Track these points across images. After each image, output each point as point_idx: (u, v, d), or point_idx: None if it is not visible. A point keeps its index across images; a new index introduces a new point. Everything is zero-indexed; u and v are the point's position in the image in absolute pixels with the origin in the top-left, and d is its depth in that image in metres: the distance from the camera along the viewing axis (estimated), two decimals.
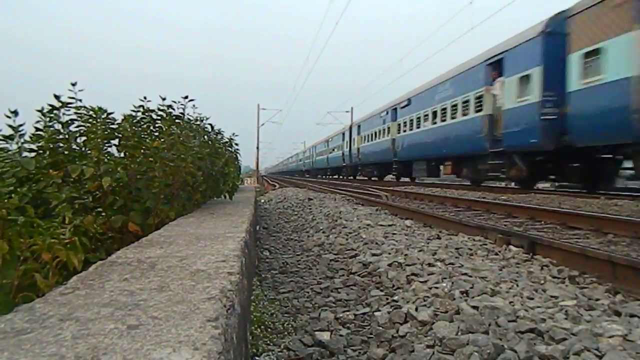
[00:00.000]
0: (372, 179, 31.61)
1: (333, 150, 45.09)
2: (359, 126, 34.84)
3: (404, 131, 23.73)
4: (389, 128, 26.53)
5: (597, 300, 2.91)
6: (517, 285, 3.18)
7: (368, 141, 31.46)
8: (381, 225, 6.44)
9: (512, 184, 16.91)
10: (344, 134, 40.43)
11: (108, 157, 3.05)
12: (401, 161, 24.73)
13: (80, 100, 2.97)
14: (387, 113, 27.06)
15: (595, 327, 2.30)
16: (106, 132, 3.03)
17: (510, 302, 2.72)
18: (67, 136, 2.92)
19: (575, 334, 2.22)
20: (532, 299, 2.88)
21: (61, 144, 2.90)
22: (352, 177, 37.17)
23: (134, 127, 3.33)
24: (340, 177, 42.43)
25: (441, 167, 20.75)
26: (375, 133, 29.48)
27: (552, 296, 2.95)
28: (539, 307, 2.69)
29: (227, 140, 5.48)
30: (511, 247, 4.57)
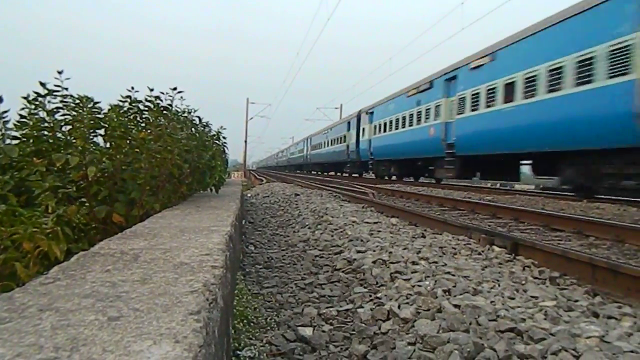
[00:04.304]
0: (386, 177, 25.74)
1: (335, 142, 37.16)
2: (371, 113, 27.32)
3: (474, 110, 15.23)
4: (436, 107, 18.22)
5: (577, 301, 2.96)
6: (499, 285, 3.22)
7: (387, 131, 24.16)
8: (367, 222, 6.47)
9: None
10: (349, 122, 32.99)
11: (94, 147, 3.02)
12: (465, 156, 16.14)
13: (67, 89, 2.93)
14: (431, 87, 18.72)
15: (573, 327, 2.34)
16: (92, 122, 2.99)
17: (492, 302, 2.75)
18: (52, 124, 2.88)
19: (554, 334, 2.25)
20: (513, 298, 2.91)
21: (46, 132, 2.86)
22: (357, 176, 31.21)
23: (120, 118, 3.29)
24: (343, 174, 35.49)
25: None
26: (404, 118, 21.68)
27: (532, 296, 2.99)
28: (519, 307, 2.73)
29: (214, 133, 5.45)
30: (494, 247, 4.63)
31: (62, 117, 2.93)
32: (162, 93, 3.74)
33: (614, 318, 2.61)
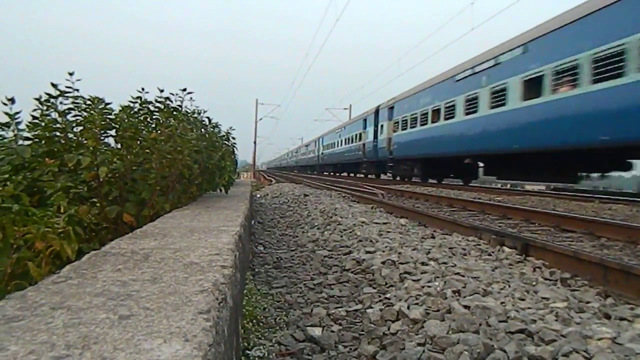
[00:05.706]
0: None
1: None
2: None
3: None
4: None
5: (588, 302, 2.93)
6: (509, 286, 3.19)
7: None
8: (376, 223, 6.45)
9: None
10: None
11: (105, 148, 3.04)
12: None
13: (78, 90, 2.97)
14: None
15: (585, 329, 2.32)
16: (103, 123, 3.02)
17: (502, 303, 2.73)
18: (64, 125, 2.91)
19: (565, 335, 2.23)
20: (524, 300, 2.89)
21: (58, 133, 2.89)
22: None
23: (131, 118, 3.32)
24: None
25: None
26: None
27: (543, 297, 2.96)
28: (529, 308, 2.70)
29: (224, 133, 5.47)
30: (504, 248, 4.59)
31: (74, 118, 2.96)
32: (172, 94, 3.77)
33: (626, 320, 2.58)
